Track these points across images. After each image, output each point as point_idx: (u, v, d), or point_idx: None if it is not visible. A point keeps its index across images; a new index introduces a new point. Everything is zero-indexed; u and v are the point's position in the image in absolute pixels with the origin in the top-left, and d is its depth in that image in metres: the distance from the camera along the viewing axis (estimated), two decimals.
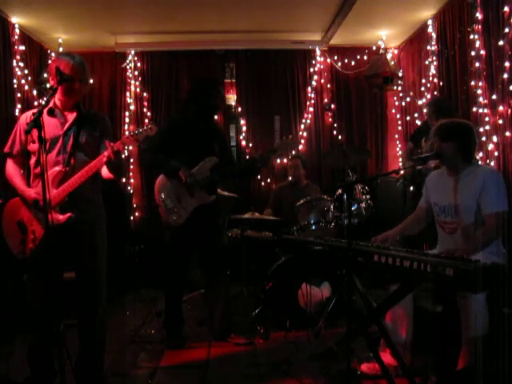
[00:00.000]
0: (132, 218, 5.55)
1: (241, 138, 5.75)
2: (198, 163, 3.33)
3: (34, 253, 2.46)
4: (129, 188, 5.62)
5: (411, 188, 4.35)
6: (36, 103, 4.95)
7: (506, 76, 3.44)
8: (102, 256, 2.63)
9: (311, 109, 5.80)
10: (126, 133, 2.42)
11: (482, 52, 3.75)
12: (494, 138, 3.63)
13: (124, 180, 5.67)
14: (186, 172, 3.26)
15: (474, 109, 3.85)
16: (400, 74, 5.46)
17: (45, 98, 4.26)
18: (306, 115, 5.80)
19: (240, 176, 4.03)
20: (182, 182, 3.25)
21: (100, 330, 2.65)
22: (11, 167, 2.57)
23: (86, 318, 2.61)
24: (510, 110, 3.45)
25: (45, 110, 2.36)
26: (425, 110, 4.39)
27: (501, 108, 3.53)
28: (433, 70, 4.78)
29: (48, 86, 4.90)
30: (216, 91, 3.41)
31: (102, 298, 2.64)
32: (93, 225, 2.58)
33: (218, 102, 3.43)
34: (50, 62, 2.51)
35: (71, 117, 2.54)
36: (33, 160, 2.52)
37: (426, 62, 4.90)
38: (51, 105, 2.51)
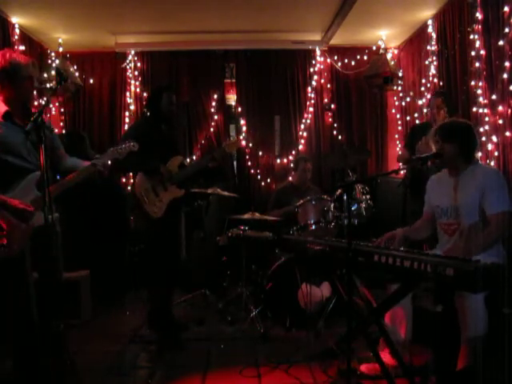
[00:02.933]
0: (132, 217, 5.54)
1: (241, 138, 5.75)
2: (165, 161, 3.58)
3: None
4: (129, 188, 5.61)
5: (412, 189, 4.33)
6: (36, 103, 4.94)
7: (505, 76, 3.43)
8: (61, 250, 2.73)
9: (311, 109, 5.81)
10: (111, 148, 2.80)
11: (482, 52, 3.75)
12: (494, 138, 3.63)
13: (124, 180, 5.67)
14: (165, 169, 3.55)
15: (474, 109, 3.85)
16: (400, 74, 5.46)
17: (45, 98, 4.29)
18: (306, 115, 5.80)
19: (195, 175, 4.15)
20: (157, 177, 3.52)
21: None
22: None
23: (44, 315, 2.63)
24: (510, 110, 3.45)
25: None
26: (425, 107, 4.34)
27: (501, 108, 3.53)
28: (433, 70, 4.78)
29: (48, 86, 4.91)
30: (169, 98, 3.63)
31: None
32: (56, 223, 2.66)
33: (171, 107, 3.66)
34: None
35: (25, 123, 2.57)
36: (5, 163, 2.51)
37: (426, 62, 4.90)
38: (7, 109, 2.53)
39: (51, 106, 5.53)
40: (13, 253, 2.46)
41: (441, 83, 4.62)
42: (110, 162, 2.77)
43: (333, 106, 5.82)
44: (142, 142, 3.38)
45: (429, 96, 4.82)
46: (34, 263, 2.59)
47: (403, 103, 5.62)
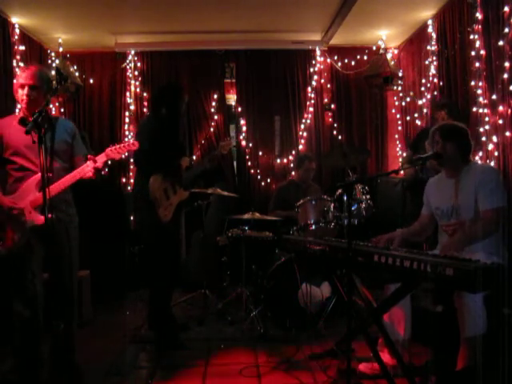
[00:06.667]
0: (132, 218, 5.55)
1: (241, 137, 5.75)
2: (176, 162, 3.57)
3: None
4: (129, 188, 5.62)
5: (410, 191, 4.33)
6: None
7: (506, 76, 3.43)
8: (76, 251, 2.78)
9: (311, 109, 5.80)
10: (109, 148, 2.67)
11: (482, 52, 3.74)
12: (494, 138, 3.63)
13: (124, 180, 5.67)
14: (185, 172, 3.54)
15: (474, 109, 3.85)
16: (400, 74, 5.46)
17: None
18: (305, 115, 5.80)
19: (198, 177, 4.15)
20: (170, 180, 3.47)
21: (73, 326, 2.80)
22: None
23: (61, 315, 2.66)
24: (510, 110, 3.45)
25: (17, 118, 2.60)
26: (425, 111, 4.33)
27: (501, 108, 3.53)
28: (433, 70, 4.77)
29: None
30: (181, 96, 3.59)
31: (75, 295, 2.82)
32: (69, 223, 2.74)
33: (184, 106, 3.66)
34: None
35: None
36: (14, 165, 2.61)
37: (426, 62, 4.90)
38: (22, 114, 2.63)
39: (51, 105, 5.53)
40: (8, 250, 2.49)
41: (441, 83, 4.62)
42: (104, 162, 2.69)
43: (333, 106, 5.83)
44: (161, 142, 3.36)
45: (429, 96, 4.83)
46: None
47: (403, 103, 5.62)
